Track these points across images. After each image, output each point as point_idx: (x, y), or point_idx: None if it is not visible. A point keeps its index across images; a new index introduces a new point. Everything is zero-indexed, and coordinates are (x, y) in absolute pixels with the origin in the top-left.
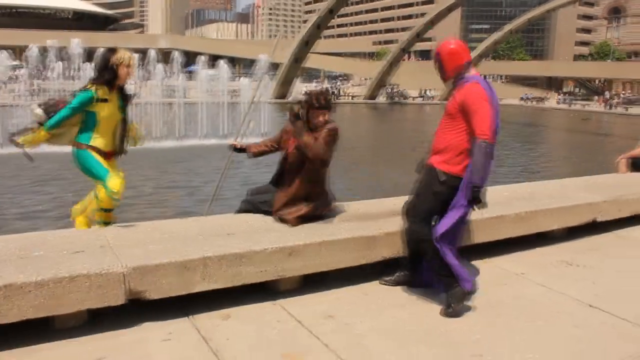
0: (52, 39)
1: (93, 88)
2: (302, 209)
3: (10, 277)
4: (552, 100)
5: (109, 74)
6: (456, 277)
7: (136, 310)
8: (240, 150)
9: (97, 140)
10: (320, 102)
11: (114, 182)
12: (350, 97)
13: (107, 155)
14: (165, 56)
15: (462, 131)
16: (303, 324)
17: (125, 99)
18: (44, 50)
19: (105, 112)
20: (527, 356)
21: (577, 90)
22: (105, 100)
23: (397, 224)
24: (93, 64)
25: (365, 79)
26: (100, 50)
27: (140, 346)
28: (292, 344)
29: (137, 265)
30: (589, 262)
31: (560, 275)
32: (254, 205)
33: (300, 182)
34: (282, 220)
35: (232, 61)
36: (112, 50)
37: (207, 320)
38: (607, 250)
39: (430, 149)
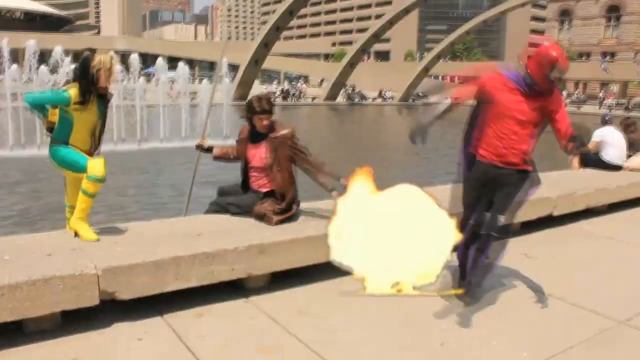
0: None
1: (70, 91)
2: (290, 210)
3: None
4: None
5: (88, 80)
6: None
7: (109, 310)
8: (206, 150)
9: (74, 141)
10: (263, 107)
11: (94, 166)
12: (310, 99)
13: (86, 153)
14: (122, 58)
15: (534, 135)
16: (276, 320)
17: (105, 102)
18: None
19: (83, 115)
20: (490, 343)
21: None
22: (83, 103)
23: None
24: (73, 67)
25: (322, 80)
26: (56, 50)
27: (114, 345)
28: (265, 339)
29: (110, 266)
30: (547, 254)
31: (520, 267)
32: (221, 206)
33: (288, 188)
34: (261, 218)
35: (191, 63)
36: (92, 53)
37: (181, 318)
38: (563, 242)
39: (507, 148)
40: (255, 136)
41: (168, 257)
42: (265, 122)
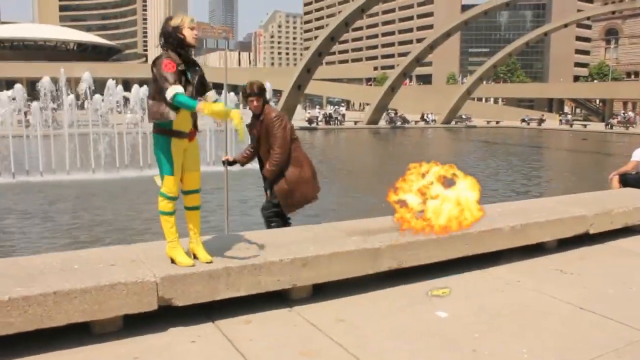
0: (57, 70)
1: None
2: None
3: (57, 285)
4: (550, 121)
5: (174, 39)
6: None
7: (164, 316)
8: (232, 163)
9: (179, 120)
10: (252, 90)
11: (167, 183)
12: (353, 122)
13: (190, 135)
14: None
15: None
16: (317, 327)
17: (194, 66)
18: (55, 82)
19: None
20: (520, 350)
21: (578, 110)
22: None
23: (399, 238)
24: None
25: (366, 104)
26: (110, 82)
27: (171, 347)
28: (308, 344)
29: (167, 274)
30: (581, 270)
31: (553, 282)
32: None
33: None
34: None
35: (234, 89)
36: (169, 19)
37: (231, 325)
38: (598, 259)
39: None
40: (253, 119)
41: (220, 267)
42: (255, 104)
